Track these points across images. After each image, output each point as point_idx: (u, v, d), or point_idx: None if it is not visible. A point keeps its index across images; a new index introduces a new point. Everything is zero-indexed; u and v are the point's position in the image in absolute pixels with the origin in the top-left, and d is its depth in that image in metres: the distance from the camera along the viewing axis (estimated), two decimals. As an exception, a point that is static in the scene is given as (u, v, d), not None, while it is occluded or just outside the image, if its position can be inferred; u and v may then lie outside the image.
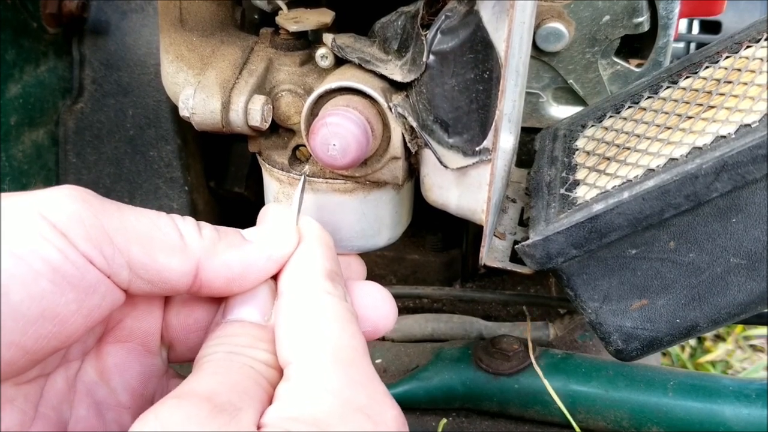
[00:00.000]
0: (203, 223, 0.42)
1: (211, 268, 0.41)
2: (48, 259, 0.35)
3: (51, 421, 0.39)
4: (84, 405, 0.41)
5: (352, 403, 0.37)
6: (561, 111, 0.77)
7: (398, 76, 0.51)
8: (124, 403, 0.42)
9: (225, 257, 0.41)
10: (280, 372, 0.40)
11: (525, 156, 0.74)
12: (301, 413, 0.36)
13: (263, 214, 0.49)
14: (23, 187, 0.86)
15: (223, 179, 0.97)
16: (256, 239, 0.43)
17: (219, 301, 0.44)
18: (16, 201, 0.36)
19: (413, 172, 0.56)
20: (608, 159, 0.56)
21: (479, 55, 0.47)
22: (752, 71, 0.54)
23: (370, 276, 1.02)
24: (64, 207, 0.36)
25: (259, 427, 0.36)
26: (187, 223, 0.41)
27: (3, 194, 0.37)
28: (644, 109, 0.60)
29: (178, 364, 0.46)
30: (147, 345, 0.44)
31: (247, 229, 0.45)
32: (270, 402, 0.38)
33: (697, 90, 0.56)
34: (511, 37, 0.45)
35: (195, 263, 0.40)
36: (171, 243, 0.39)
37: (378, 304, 0.46)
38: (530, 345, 0.79)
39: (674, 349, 1.43)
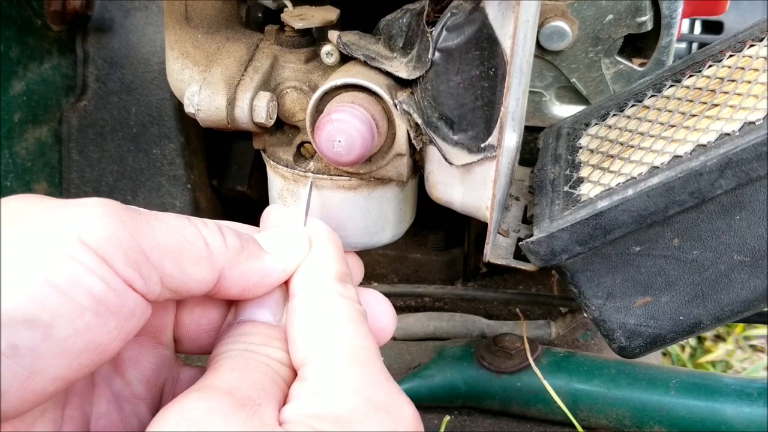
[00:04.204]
0: (226, 229, 0.42)
1: (231, 278, 0.41)
2: (92, 292, 0.34)
3: (77, 422, 0.39)
4: (104, 400, 0.41)
5: (373, 401, 0.38)
6: (564, 110, 0.77)
7: (403, 73, 0.51)
8: (139, 395, 0.42)
9: (244, 268, 0.42)
10: (294, 371, 0.40)
11: (528, 155, 0.74)
12: (324, 411, 0.37)
13: (266, 216, 0.49)
14: (26, 184, 0.86)
15: (225, 178, 0.97)
16: (272, 249, 0.44)
17: (231, 302, 0.45)
18: (52, 224, 0.35)
19: (418, 169, 0.56)
20: (612, 157, 0.56)
21: (485, 52, 0.47)
22: (756, 69, 0.54)
23: (372, 275, 1.03)
24: (101, 228, 0.35)
25: (280, 424, 0.36)
26: (211, 230, 0.41)
27: (36, 214, 0.35)
28: (648, 107, 0.60)
29: (183, 355, 0.46)
30: (159, 338, 0.44)
31: (261, 234, 0.45)
32: (285, 400, 0.38)
33: (700, 88, 0.57)
34: (516, 34, 0.46)
35: (219, 273, 0.40)
36: (198, 254, 0.39)
37: (377, 316, 0.47)
38: (527, 346, 0.79)
39: (674, 349, 1.43)
